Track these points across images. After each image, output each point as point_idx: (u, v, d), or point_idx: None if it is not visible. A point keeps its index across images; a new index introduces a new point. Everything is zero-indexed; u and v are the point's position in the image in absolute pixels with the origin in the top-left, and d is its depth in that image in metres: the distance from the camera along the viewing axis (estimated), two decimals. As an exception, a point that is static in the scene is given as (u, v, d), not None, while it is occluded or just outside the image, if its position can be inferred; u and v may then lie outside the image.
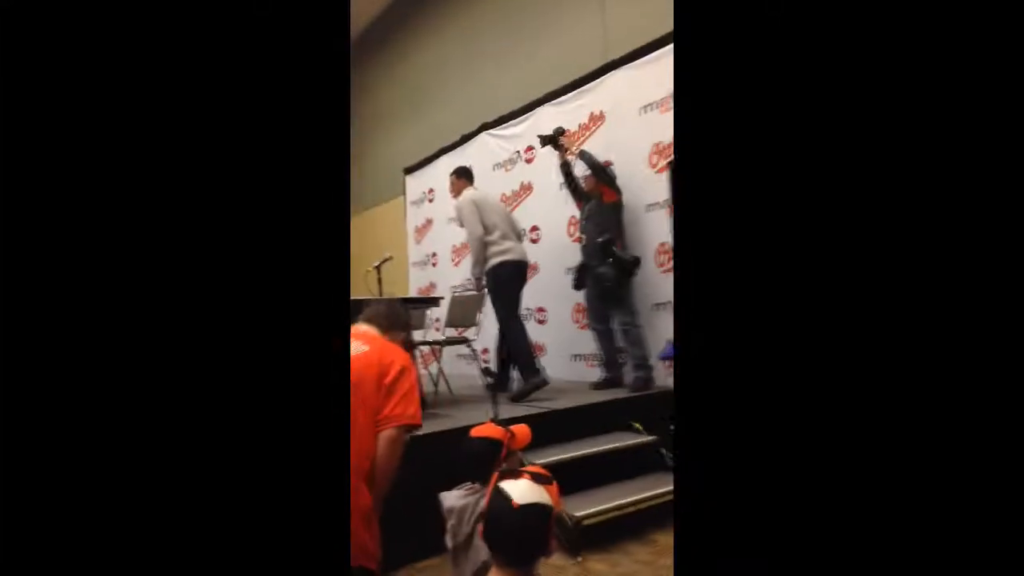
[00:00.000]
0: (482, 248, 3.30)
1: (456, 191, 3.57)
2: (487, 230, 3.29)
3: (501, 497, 1.04)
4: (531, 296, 3.91)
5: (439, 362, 3.72)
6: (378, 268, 3.41)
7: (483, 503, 1.13)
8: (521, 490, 1.04)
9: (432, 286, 5.48)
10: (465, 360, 4.55)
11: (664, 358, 3.33)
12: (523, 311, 3.46)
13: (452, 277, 5.21)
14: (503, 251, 3.31)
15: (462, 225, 3.44)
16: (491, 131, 4.80)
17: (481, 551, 1.28)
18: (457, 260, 5.21)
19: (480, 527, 1.10)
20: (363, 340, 1.55)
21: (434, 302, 3.69)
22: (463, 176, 3.62)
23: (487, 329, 3.82)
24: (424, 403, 2.96)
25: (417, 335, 3.68)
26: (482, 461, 1.47)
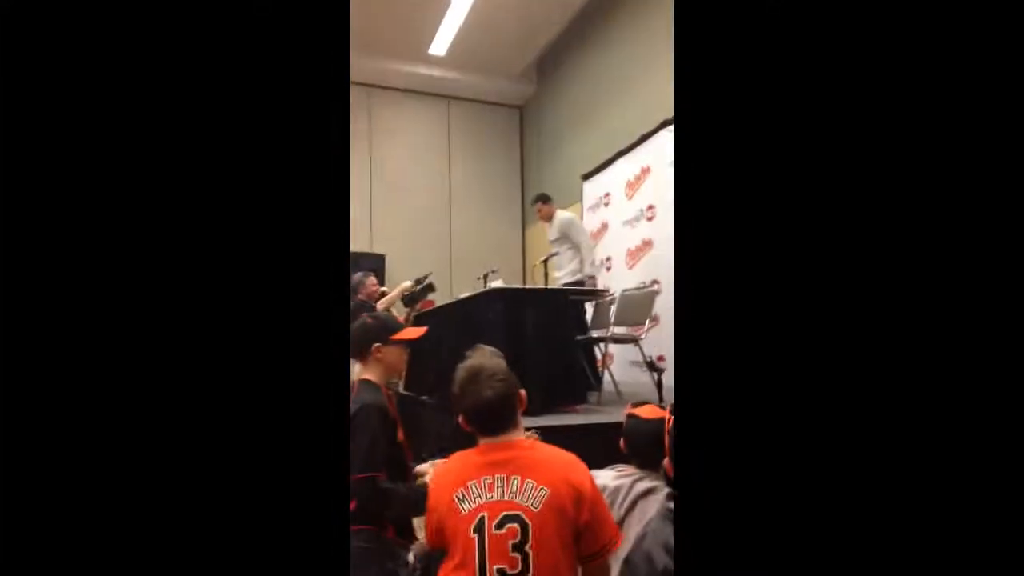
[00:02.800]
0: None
1: (548, 215, 4.14)
2: None
3: (636, 419, 1.52)
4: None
5: (605, 361, 3.59)
6: (544, 263, 3.44)
7: (640, 486, 1.43)
8: (647, 411, 1.52)
9: (607, 290, 5.38)
10: (639, 367, 4.35)
11: None
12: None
13: (627, 280, 5.06)
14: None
15: (569, 239, 3.97)
16: (670, 127, 4.60)
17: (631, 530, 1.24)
18: (632, 263, 5.04)
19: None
20: (527, 475, 1.17)
21: (598, 294, 3.60)
22: (548, 201, 4.21)
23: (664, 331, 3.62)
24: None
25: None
26: (649, 442, 1.43)
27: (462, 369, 1.29)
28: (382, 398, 1.63)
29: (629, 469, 1.49)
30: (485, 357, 1.32)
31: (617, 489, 1.43)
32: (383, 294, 3.84)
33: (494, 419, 1.24)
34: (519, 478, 1.16)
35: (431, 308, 3.88)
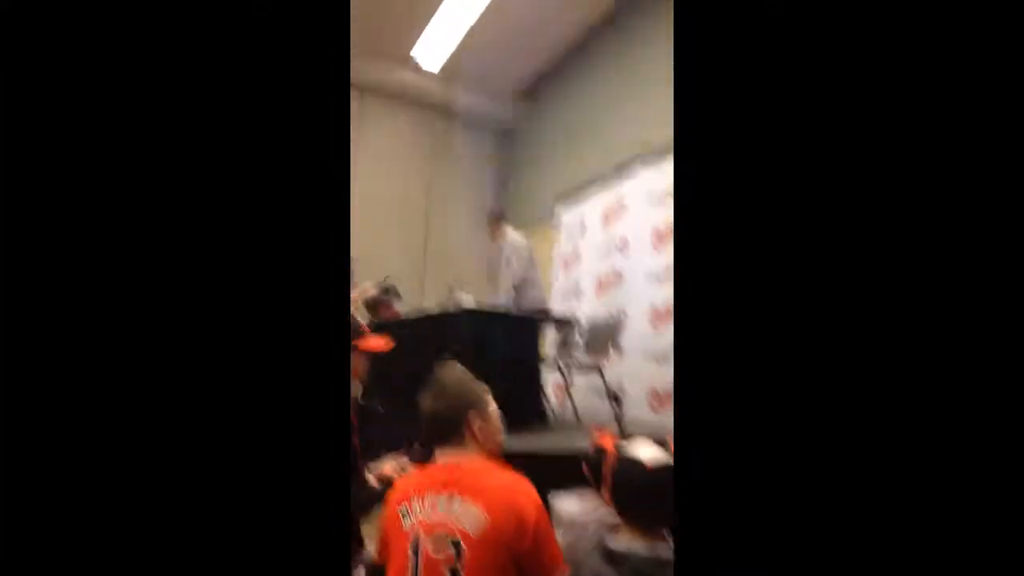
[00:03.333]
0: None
1: (499, 234, 3.90)
2: None
3: (630, 463, 1.10)
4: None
5: (567, 387, 3.62)
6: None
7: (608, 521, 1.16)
8: (649, 453, 1.11)
9: (573, 317, 5.43)
10: (599, 396, 4.40)
11: None
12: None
13: (594, 309, 5.12)
14: None
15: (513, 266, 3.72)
16: (647, 163, 4.71)
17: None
18: (601, 294, 5.11)
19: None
20: (467, 496, 1.11)
21: (568, 322, 3.64)
22: (501, 219, 4.00)
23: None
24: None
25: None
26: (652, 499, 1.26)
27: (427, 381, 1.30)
28: None
29: (592, 497, 1.37)
30: (446, 371, 1.33)
31: (584, 525, 1.33)
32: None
33: (436, 431, 1.24)
34: (460, 499, 1.12)
35: (393, 317, 3.85)
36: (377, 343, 1.77)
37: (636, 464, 1.10)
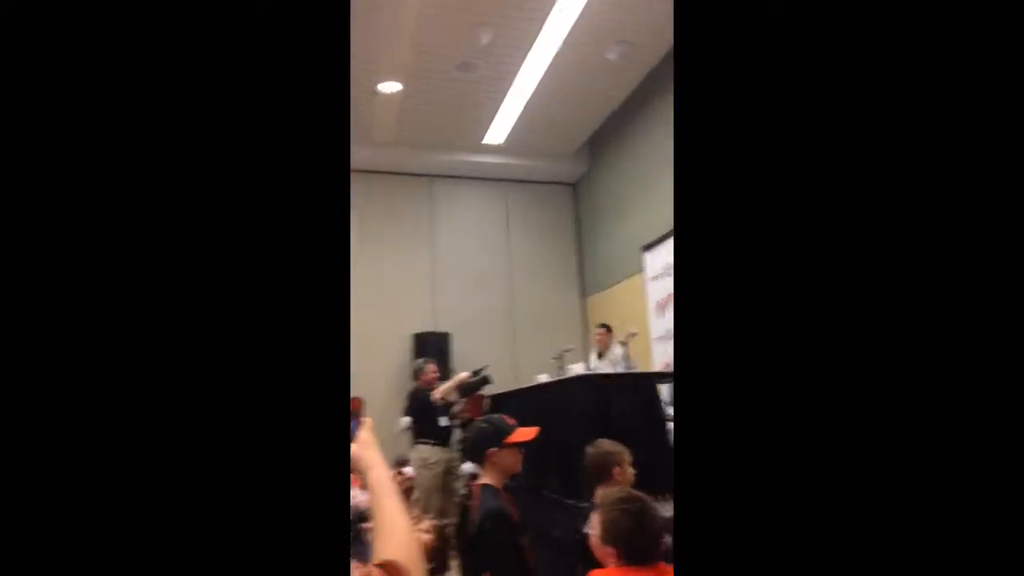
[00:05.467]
0: None
1: (604, 344, 4.14)
2: None
3: None
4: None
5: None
6: (624, 344, 3.46)
7: None
8: None
9: (677, 361, 5.33)
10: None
11: None
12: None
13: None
14: None
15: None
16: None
17: None
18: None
19: None
20: None
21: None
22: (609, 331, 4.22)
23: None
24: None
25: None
26: None
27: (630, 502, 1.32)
28: (502, 503, 1.68)
29: None
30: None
31: None
32: (442, 380, 3.94)
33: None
34: None
35: (481, 406, 3.95)
36: (527, 433, 1.82)
37: None
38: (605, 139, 6.90)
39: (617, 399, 2.72)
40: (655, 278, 5.84)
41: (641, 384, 2.94)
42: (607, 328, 4.16)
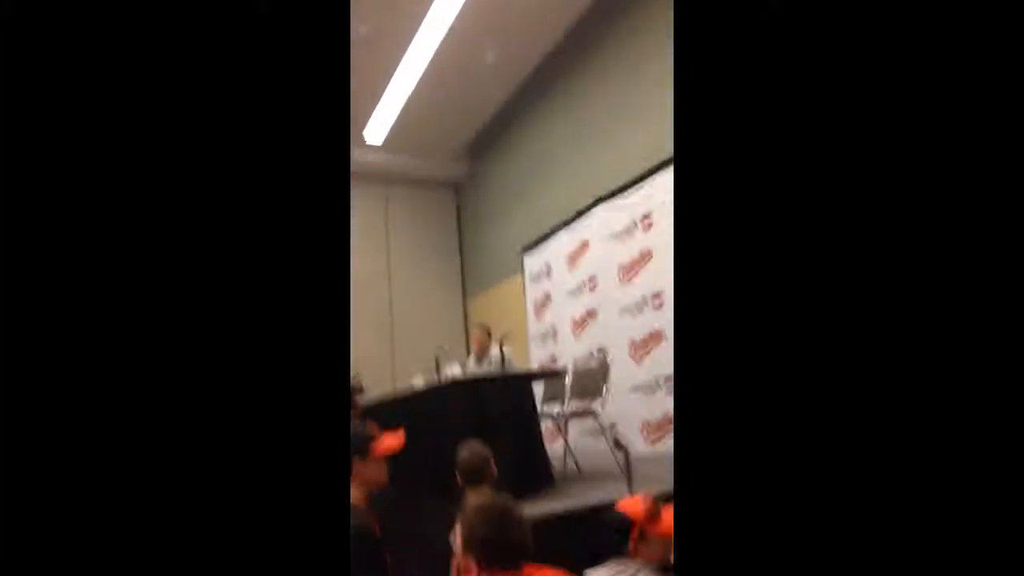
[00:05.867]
0: None
1: (483, 348, 3.95)
2: None
3: None
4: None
5: (565, 438, 3.64)
6: (501, 344, 3.49)
7: None
8: None
9: (553, 359, 5.47)
10: (591, 435, 4.42)
11: None
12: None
13: (573, 350, 5.17)
14: None
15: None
16: (605, 203, 4.86)
17: None
18: (578, 332, 5.18)
19: None
20: None
21: (557, 374, 3.67)
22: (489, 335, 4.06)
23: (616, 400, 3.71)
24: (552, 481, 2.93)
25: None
26: (609, 536, 1.39)
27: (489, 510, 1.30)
28: (362, 519, 1.56)
29: (624, 565, 1.39)
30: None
31: None
32: None
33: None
34: None
35: (360, 407, 3.85)
36: (391, 443, 1.68)
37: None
38: (487, 140, 6.94)
39: (490, 401, 2.73)
40: (534, 279, 5.96)
41: (513, 385, 2.98)
42: (485, 329, 4.16)
